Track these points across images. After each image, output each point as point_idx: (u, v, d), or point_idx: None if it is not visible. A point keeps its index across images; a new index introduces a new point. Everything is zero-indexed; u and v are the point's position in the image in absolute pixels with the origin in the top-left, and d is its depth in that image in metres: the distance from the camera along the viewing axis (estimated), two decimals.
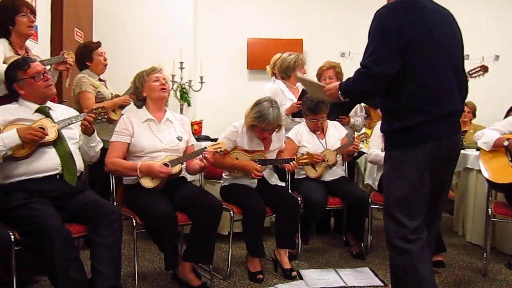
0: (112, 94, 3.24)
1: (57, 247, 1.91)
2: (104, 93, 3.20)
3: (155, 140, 2.56)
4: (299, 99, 3.41)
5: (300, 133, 3.27)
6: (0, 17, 2.62)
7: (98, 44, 3.33)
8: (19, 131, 2.09)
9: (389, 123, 1.90)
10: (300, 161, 2.93)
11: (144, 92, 2.64)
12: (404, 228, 1.81)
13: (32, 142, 2.14)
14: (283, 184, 3.08)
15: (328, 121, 3.37)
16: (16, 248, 1.97)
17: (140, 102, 2.69)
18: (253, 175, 2.82)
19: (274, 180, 3.06)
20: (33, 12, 2.71)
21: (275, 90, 3.59)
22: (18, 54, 2.62)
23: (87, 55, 3.25)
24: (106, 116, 2.36)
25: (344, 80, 1.98)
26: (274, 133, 2.92)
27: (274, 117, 2.73)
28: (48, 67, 2.77)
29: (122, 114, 3.12)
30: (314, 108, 3.16)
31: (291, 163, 2.92)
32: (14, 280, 2.03)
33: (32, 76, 2.24)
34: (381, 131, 1.97)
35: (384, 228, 1.91)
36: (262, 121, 2.73)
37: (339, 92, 1.93)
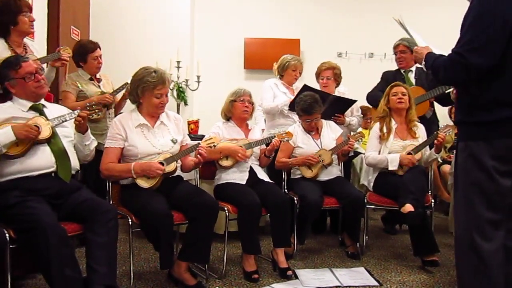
0: (102, 92, 3.16)
1: (53, 246, 1.90)
2: (87, 92, 3.12)
3: (148, 146, 2.54)
4: (297, 94, 3.43)
5: (295, 134, 3.27)
6: (3, 16, 2.63)
7: (95, 47, 3.23)
8: (13, 128, 2.09)
9: (471, 114, 1.77)
10: (281, 137, 2.99)
11: (142, 100, 2.58)
12: (480, 219, 1.70)
13: (27, 140, 2.13)
14: (271, 181, 3.07)
15: (323, 121, 3.38)
16: (11, 246, 1.96)
17: (136, 103, 2.64)
18: (239, 155, 2.89)
19: (262, 174, 3.07)
20: (30, 9, 2.73)
21: (270, 82, 3.78)
22: (16, 53, 2.61)
23: (81, 56, 3.19)
24: (100, 113, 2.35)
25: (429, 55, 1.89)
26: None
27: (246, 90, 3.15)
28: (44, 65, 2.77)
29: (114, 115, 3.10)
30: (308, 108, 3.17)
31: (273, 140, 2.98)
32: (9, 279, 2.02)
33: (23, 77, 2.23)
34: (457, 122, 1.86)
35: (454, 216, 1.80)
36: (238, 93, 3.11)
37: (425, 61, 1.89)
